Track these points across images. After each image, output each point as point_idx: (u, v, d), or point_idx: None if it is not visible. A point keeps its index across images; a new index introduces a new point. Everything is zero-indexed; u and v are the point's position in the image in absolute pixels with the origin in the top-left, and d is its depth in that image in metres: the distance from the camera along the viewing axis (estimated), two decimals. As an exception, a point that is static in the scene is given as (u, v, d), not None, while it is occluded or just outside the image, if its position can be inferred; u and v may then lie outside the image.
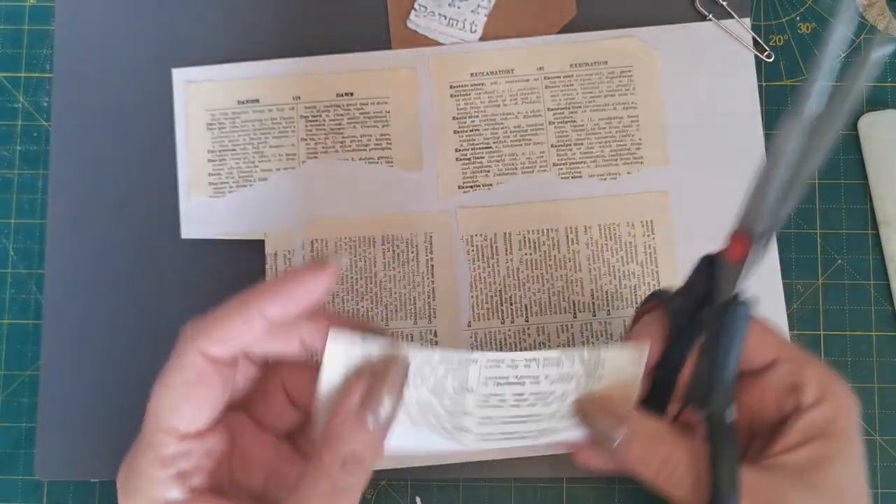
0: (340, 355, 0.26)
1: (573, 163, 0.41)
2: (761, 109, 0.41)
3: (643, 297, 0.39)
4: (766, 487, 0.25)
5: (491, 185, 0.41)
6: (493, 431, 0.29)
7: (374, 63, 0.42)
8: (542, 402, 0.28)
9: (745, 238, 0.26)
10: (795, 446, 0.27)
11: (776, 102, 0.42)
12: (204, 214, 0.41)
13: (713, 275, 0.27)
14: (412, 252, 0.40)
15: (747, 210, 0.26)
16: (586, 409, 0.28)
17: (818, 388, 0.27)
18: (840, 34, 0.24)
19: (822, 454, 0.26)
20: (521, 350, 0.31)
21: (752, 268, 0.26)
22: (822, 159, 0.26)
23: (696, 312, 0.28)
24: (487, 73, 0.41)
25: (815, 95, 0.23)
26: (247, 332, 0.27)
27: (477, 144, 0.41)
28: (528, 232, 0.40)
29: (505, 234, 0.40)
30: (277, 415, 0.29)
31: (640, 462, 0.27)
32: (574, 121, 0.41)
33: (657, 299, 0.30)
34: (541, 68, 0.41)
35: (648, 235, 0.40)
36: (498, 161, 0.41)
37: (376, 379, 0.26)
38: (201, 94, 0.42)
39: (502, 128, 0.41)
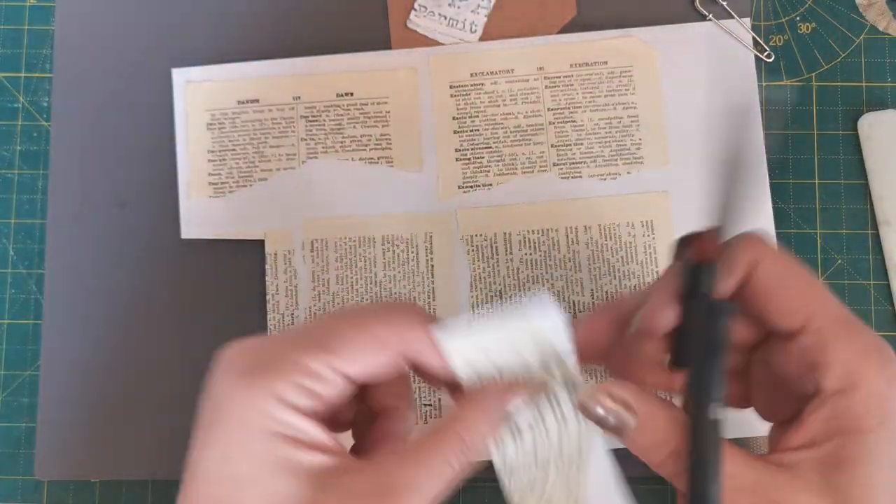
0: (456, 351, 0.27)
1: (573, 163, 0.41)
2: (761, 109, 0.41)
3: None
4: (773, 488, 0.23)
5: (491, 185, 0.41)
6: None
7: (374, 63, 0.42)
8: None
9: (711, 237, 0.25)
10: (816, 441, 0.23)
11: (776, 102, 0.42)
12: (204, 214, 0.41)
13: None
14: (412, 252, 0.40)
15: (712, 208, 0.25)
16: (589, 404, 0.26)
17: (846, 372, 0.23)
18: None
19: (848, 454, 0.23)
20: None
21: (724, 266, 0.25)
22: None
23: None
24: (487, 73, 0.41)
25: None
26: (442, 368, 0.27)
27: (477, 144, 0.41)
28: (528, 232, 0.40)
29: (505, 234, 0.40)
30: (381, 394, 0.29)
31: (646, 451, 0.25)
32: (574, 121, 0.41)
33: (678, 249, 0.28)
34: (541, 68, 0.41)
35: (648, 235, 0.40)
36: (498, 161, 0.41)
37: (524, 390, 0.26)
38: (201, 94, 0.42)
39: (502, 128, 0.41)
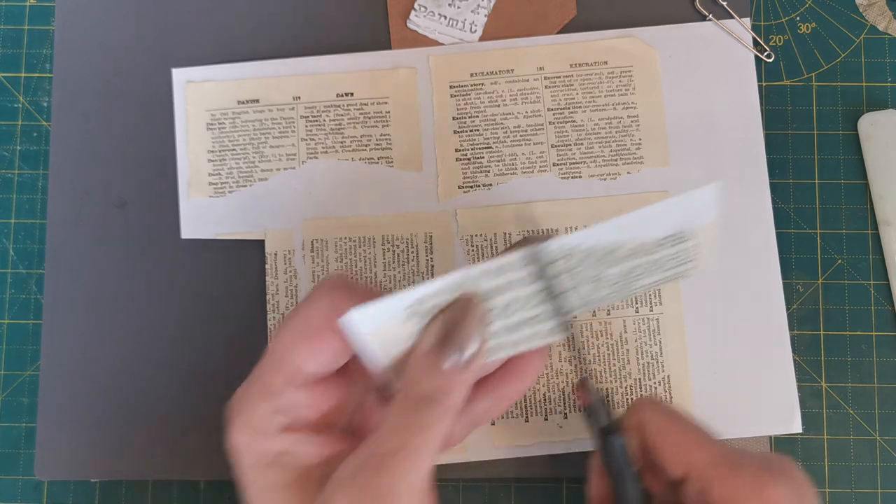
0: (369, 330, 0.25)
1: (573, 163, 0.41)
2: (761, 109, 0.41)
3: (654, 297, 0.39)
4: None
5: (491, 185, 0.41)
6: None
7: (374, 63, 0.42)
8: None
9: (583, 386, 0.30)
10: None
11: (776, 102, 0.42)
12: (204, 214, 0.41)
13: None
14: (412, 252, 0.40)
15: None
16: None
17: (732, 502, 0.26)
18: None
19: None
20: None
21: (599, 407, 0.30)
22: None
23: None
24: (487, 73, 0.41)
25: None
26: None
27: (477, 144, 0.41)
28: (529, 232, 0.40)
29: (505, 234, 0.40)
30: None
31: None
32: (574, 121, 0.41)
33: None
34: (541, 68, 0.41)
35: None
36: (498, 161, 0.41)
37: (449, 321, 0.25)
38: (201, 94, 0.42)
39: (502, 128, 0.41)
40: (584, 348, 0.32)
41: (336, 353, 0.26)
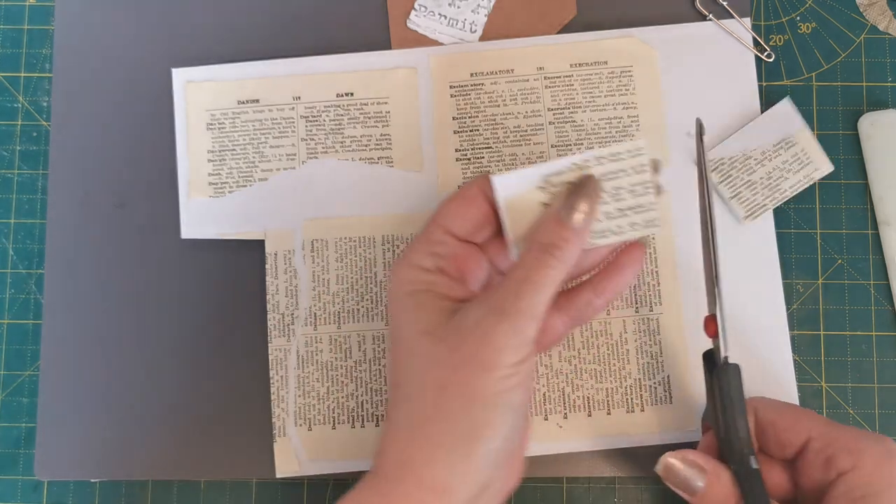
0: (511, 194, 0.31)
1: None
2: (761, 109, 0.41)
3: (654, 297, 0.39)
4: None
5: (491, 185, 0.41)
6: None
7: (374, 63, 0.42)
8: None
9: (713, 318, 0.33)
10: None
11: (776, 102, 0.42)
12: (204, 214, 0.41)
13: (712, 361, 0.34)
14: (412, 252, 0.40)
15: (709, 297, 0.34)
16: (670, 466, 0.33)
17: (850, 453, 0.31)
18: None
19: None
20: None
21: (724, 338, 0.33)
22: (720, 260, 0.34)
23: None
24: (487, 73, 0.41)
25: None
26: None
27: (477, 144, 0.41)
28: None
29: (505, 234, 0.40)
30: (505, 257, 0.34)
31: None
32: (574, 121, 0.41)
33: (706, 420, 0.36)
34: (541, 68, 0.41)
35: (648, 236, 0.40)
36: (498, 161, 0.41)
37: (573, 190, 0.31)
38: (201, 94, 0.42)
39: (502, 128, 0.41)
40: (717, 258, 0.33)
41: (483, 217, 0.32)
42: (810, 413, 0.33)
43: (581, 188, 0.31)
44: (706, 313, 0.34)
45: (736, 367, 0.33)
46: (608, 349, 0.39)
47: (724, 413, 0.32)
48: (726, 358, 0.33)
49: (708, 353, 0.34)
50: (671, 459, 0.33)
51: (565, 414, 0.39)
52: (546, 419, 0.39)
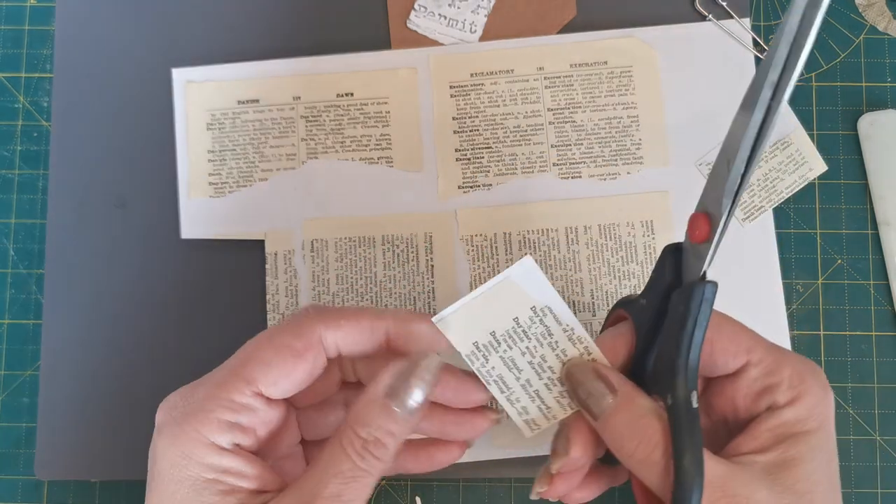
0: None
1: (573, 163, 0.41)
2: (761, 109, 0.41)
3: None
4: (735, 483, 0.25)
5: (491, 185, 0.41)
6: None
7: (374, 63, 0.42)
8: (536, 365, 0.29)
9: (706, 218, 0.26)
10: (766, 447, 0.27)
11: (776, 102, 0.42)
12: (204, 214, 0.41)
13: (679, 263, 0.27)
14: (412, 252, 0.40)
15: (707, 192, 0.26)
16: (575, 371, 0.28)
17: (791, 388, 0.27)
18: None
19: (792, 454, 0.26)
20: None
21: (716, 248, 0.26)
22: (767, 144, 0.25)
23: (666, 304, 0.27)
24: (487, 73, 0.41)
25: (766, 90, 0.23)
26: (367, 342, 0.28)
27: (477, 144, 0.41)
28: (528, 232, 0.40)
29: (505, 234, 0.40)
30: (322, 424, 0.31)
31: (620, 436, 0.26)
32: (574, 121, 0.41)
33: (622, 308, 0.30)
34: (541, 68, 0.41)
35: (648, 235, 0.40)
36: (498, 161, 0.41)
37: (408, 367, 0.26)
38: (201, 94, 0.42)
39: (502, 128, 0.41)
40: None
41: (310, 374, 0.27)
42: (750, 333, 0.29)
43: (418, 363, 0.26)
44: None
45: (714, 287, 0.26)
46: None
47: (677, 336, 0.26)
48: (705, 273, 0.26)
49: (673, 248, 0.27)
50: (576, 365, 0.28)
51: (565, 414, 0.39)
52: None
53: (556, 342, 0.28)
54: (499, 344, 0.28)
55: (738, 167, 0.24)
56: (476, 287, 0.28)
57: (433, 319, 0.27)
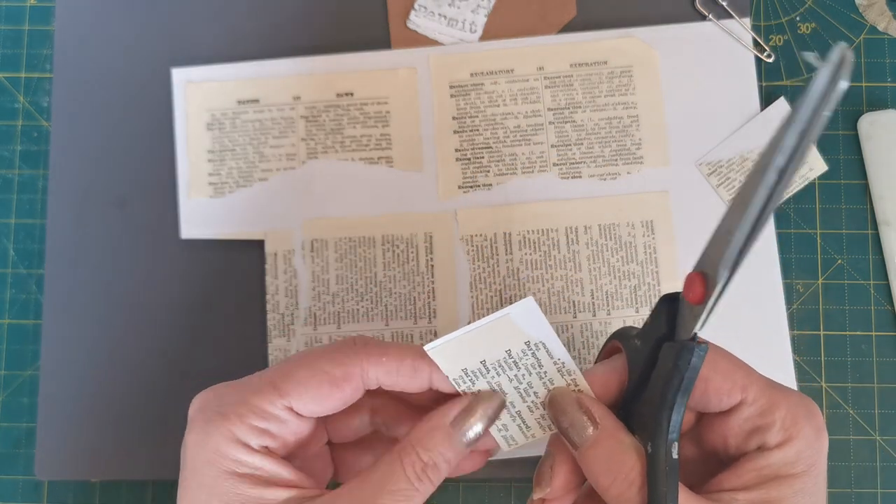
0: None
1: (573, 163, 0.41)
2: (761, 109, 0.41)
3: (654, 297, 0.39)
4: None
5: (491, 185, 0.41)
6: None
7: (374, 63, 0.42)
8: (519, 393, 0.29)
9: (702, 280, 0.25)
10: (749, 486, 0.26)
11: (776, 102, 0.42)
12: (204, 214, 0.41)
13: (674, 314, 0.27)
14: (412, 252, 0.40)
15: (707, 253, 0.25)
16: (559, 400, 0.28)
17: (783, 430, 0.27)
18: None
19: (775, 496, 0.26)
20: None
21: (712, 310, 0.25)
22: (768, 222, 0.25)
23: (657, 352, 0.27)
24: (487, 73, 0.41)
25: (771, 173, 0.22)
26: (408, 381, 0.28)
27: (477, 144, 0.41)
28: (528, 232, 0.40)
29: (505, 234, 0.40)
30: (346, 429, 0.32)
31: (598, 469, 0.26)
32: (574, 121, 0.41)
33: (617, 340, 0.29)
34: (541, 68, 0.41)
35: (648, 235, 0.40)
36: (498, 161, 0.41)
37: (474, 403, 0.28)
38: (201, 94, 0.42)
39: (502, 128, 0.41)
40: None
41: (345, 402, 0.28)
42: (746, 370, 0.28)
43: (484, 400, 0.28)
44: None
45: (703, 350, 0.26)
46: (608, 349, 0.39)
47: (662, 392, 0.26)
48: (695, 335, 0.26)
49: (670, 298, 0.27)
50: (560, 393, 0.28)
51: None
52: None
53: (545, 372, 0.28)
54: (487, 371, 0.28)
55: (738, 239, 0.23)
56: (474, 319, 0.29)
57: (425, 347, 0.27)
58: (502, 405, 0.28)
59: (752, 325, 0.39)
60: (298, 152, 0.41)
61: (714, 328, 0.39)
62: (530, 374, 0.28)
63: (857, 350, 0.40)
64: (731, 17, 0.41)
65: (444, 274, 0.40)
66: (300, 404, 0.27)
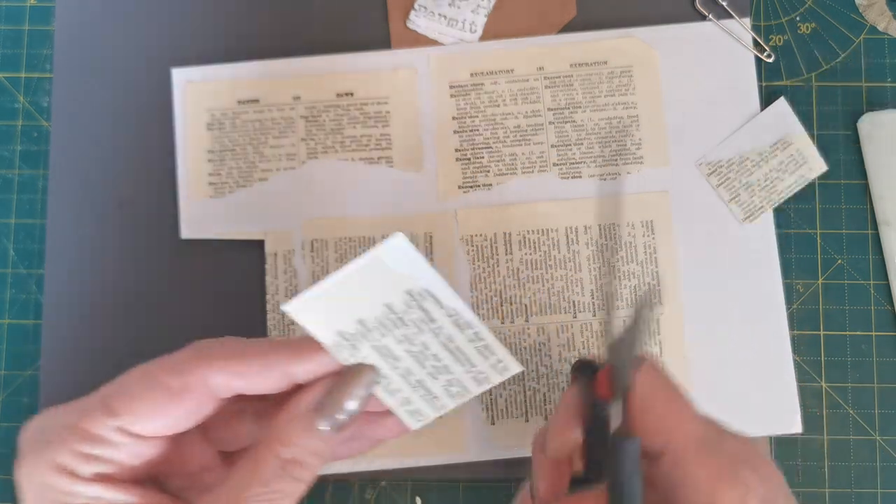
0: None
1: (573, 163, 0.41)
2: (761, 109, 0.41)
3: (638, 299, 0.39)
4: None
5: (491, 185, 0.41)
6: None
7: (374, 63, 0.42)
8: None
9: (609, 377, 0.25)
10: None
11: (776, 102, 0.42)
12: (204, 214, 0.41)
13: (592, 385, 0.26)
14: (412, 252, 0.40)
15: (613, 351, 0.25)
16: (533, 460, 0.26)
17: (702, 493, 0.23)
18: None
19: None
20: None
21: (619, 407, 0.25)
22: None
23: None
24: (487, 73, 0.41)
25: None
26: (263, 381, 0.25)
27: (477, 144, 0.41)
28: (528, 232, 0.40)
29: (505, 234, 0.40)
30: (233, 437, 0.28)
31: None
32: (574, 121, 0.41)
33: (579, 374, 0.28)
34: (541, 68, 0.41)
35: (648, 235, 0.40)
36: (498, 161, 0.41)
37: (338, 382, 0.24)
38: (201, 94, 0.42)
39: (502, 128, 0.41)
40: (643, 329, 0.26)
41: (196, 415, 0.25)
42: (686, 412, 0.25)
43: (349, 378, 0.24)
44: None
45: (634, 446, 0.24)
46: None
47: (612, 488, 0.24)
48: (615, 435, 0.24)
49: (584, 365, 0.26)
50: (534, 456, 0.26)
51: (565, 414, 0.39)
52: (546, 419, 0.39)
53: (440, 328, 0.25)
54: (369, 331, 0.24)
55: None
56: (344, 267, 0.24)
57: (283, 306, 0.23)
58: (373, 375, 0.25)
59: (752, 326, 0.39)
60: (298, 152, 0.41)
61: (714, 328, 0.39)
62: (421, 331, 0.25)
63: (857, 350, 0.40)
64: (731, 17, 0.41)
65: (444, 274, 0.40)
66: (137, 423, 0.24)
